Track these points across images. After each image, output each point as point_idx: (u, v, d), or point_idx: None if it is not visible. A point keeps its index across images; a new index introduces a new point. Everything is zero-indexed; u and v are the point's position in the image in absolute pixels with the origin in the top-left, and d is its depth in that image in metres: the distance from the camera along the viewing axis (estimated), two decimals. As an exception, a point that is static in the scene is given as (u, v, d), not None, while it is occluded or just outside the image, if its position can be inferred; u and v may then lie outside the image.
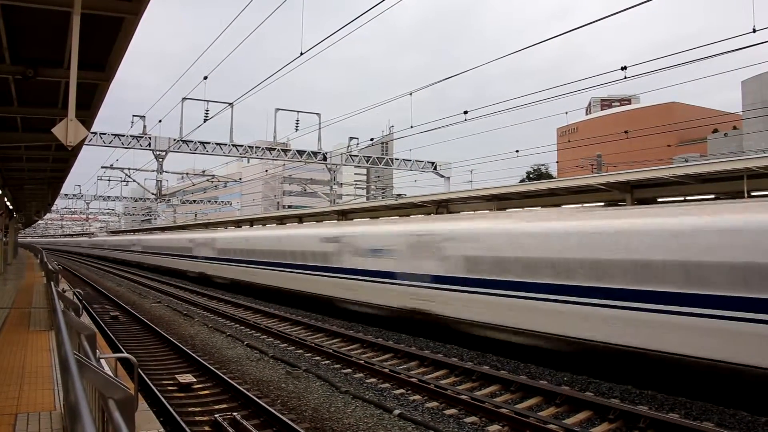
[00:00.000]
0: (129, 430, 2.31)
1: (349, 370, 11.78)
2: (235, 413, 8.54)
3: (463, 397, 9.58)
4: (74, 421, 2.28)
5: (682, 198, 13.28)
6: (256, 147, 27.46)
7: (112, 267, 54.05)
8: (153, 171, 30.72)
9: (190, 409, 9.14)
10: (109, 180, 41.63)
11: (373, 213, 24.53)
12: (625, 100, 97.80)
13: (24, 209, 36.42)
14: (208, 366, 11.46)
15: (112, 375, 3.62)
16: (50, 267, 19.40)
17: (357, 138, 30.47)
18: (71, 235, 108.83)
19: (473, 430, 8.39)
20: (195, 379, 10.72)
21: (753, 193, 11.87)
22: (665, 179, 12.57)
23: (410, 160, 30.33)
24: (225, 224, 41.39)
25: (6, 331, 10.01)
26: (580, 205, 15.01)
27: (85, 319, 10.10)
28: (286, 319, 18.66)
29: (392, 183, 59.67)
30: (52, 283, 12.16)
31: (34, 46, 7.81)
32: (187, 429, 7.95)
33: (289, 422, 8.08)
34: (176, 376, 10.94)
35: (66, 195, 49.40)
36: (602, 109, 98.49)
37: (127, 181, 40.01)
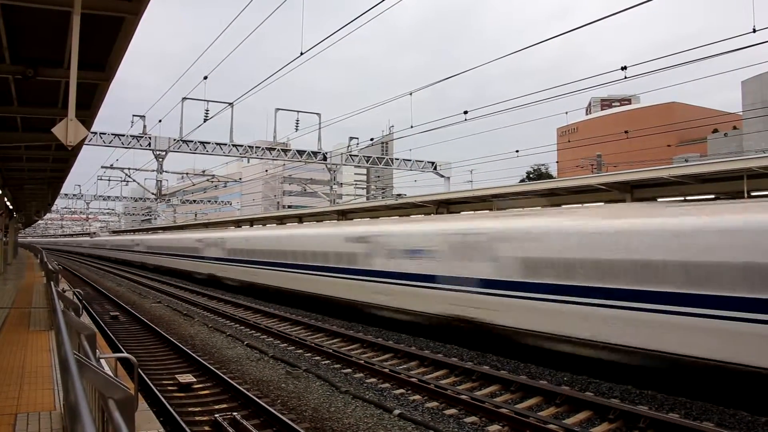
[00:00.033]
0: (129, 430, 2.31)
1: (349, 370, 11.78)
2: (235, 413, 8.54)
3: (463, 397, 9.58)
4: (74, 421, 2.28)
5: (682, 198, 13.28)
6: (256, 147, 27.48)
7: (112, 267, 54.04)
8: (153, 171, 30.75)
9: (190, 409, 9.14)
10: (109, 180, 41.69)
11: (373, 213, 24.55)
12: (625, 100, 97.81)
13: (24, 209, 36.43)
14: (208, 366, 11.46)
15: (112, 375, 3.62)
16: (50, 267, 19.40)
17: (357, 138, 30.49)
18: (72, 235, 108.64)
19: (473, 430, 8.39)
20: (195, 379, 10.72)
21: (753, 193, 11.88)
22: (665, 179, 12.59)
23: (410, 160, 30.34)
24: (226, 224, 41.39)
25: (6, 331, 10.01)
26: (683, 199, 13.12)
27: (85, 319, 10.11)
28: (286, 319, 18.66)
29: (392, 183, 59.73)
30: (52, 283, 12.16)
31: (34, 46, 7.81)
32: (187, 429, 7.94)
33: (289, 422, 8.08)
34: (176, 376, 10.94)
35: (66, 195, 49.47)
36: (602, 109, 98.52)
37: (127, 181, 40.05)
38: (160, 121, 24.37)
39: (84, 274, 41.21)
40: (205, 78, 18.87)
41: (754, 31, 10.57)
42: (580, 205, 14.97)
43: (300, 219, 31.51)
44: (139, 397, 6.28)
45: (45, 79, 8.39)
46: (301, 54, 13.78)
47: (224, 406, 9.31)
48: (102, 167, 35.05)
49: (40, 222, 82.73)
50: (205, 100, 23.68)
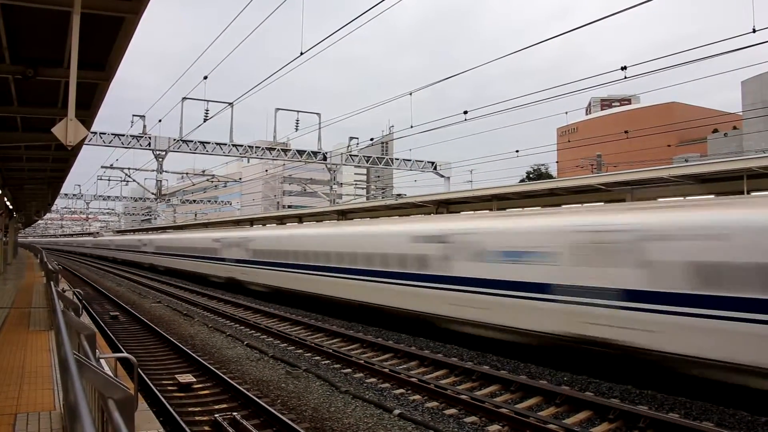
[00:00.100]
0: (129, 430, 2.30)
1: (349, 370, 11.78)
2: (235, 413, 8.54)
3: (463, 396, 9.58)
4: (74, 421, 2.28)
5: (682, 197, 13.28)
6: (256, 147, 27.50)
7: (112, 267, 54.04)
8: (153, 171, 30.74)
9: (189, 409, 9.14)
10: (109, 180, 41.70)
11: (373, 213, 24.55)
12: (625, 100, 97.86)
13: (24, 209, 36.44)
14: (208, 366, 11.46)
15: (111, 375, 3.62)
16: (50, 267, 19.40)
17: (357, 138, 30.49)
18: (72, 235, 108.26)
19: (473, 429, 8.39)
20: (195, 379, 10.72)
21: (753, 193, 11.89)
22: (665, 179, 12.61)
23: (410, 160, 30.35)
24: (227, 224, 41.41)
25: (6, 331, 10.01)
26: None
27: (84, 319, 10.11)
28: (286, 319, 18.66)
29: (392, 183, 59.68)
30: (51, 282, 12.15)
31: (34, 46, 7.81)
32: (186, 429, 7.94)
33: (289, 422, 8.08)
34: (176, 376, 10.94)
35: (66, 195, 49.44)
36: (602, 109, 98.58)
37: (127, 181, 40.04)
38: (160, 121, 24.39)
39: (84, 274, 41.22)
40: (205, 78, 18.87)
41: (754, 31, 10.59)
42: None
43: (300, 219, 31.53)
44: (139, 397, 6.28)
45: (45, 79, 8.40)
46: (301, 54, 13.80)
47: (224, 406, 9.31)
48: (102, 167, 35.08)
49: (40, 222, 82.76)
50: (205, 100, 23.71)
